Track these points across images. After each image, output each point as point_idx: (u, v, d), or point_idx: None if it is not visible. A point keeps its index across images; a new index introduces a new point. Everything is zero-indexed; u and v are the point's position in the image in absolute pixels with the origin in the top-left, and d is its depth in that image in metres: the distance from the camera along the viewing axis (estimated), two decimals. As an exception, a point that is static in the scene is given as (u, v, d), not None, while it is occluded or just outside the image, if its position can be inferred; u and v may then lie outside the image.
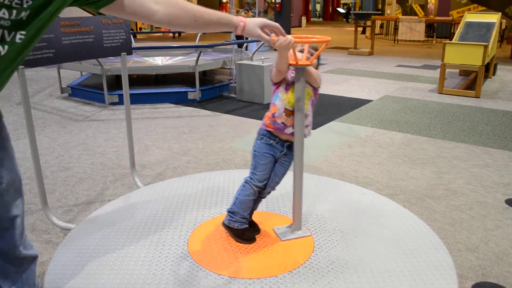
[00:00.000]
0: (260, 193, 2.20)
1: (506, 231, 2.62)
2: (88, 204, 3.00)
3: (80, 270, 2.04)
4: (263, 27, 1.73)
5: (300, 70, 1.99)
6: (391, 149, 4.09)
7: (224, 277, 1.98)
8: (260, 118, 5.21)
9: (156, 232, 2.37)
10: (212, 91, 6.45)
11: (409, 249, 2.20)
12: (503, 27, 13.43)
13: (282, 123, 2.06)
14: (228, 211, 2.24)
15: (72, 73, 7.43)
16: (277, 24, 1.77)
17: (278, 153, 2.14)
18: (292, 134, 2.08)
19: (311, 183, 3.05)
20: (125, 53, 3.28)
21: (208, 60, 6.76)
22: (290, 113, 2.05)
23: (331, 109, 5.70)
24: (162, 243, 2.26)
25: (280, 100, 2.07)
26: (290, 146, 2.14)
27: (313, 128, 4.71)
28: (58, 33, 3.67)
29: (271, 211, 2.59)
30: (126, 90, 3.15)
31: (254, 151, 2.15)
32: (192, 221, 2.48)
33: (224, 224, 2.27)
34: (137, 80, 6.87)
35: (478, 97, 6.46)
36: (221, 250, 2.18)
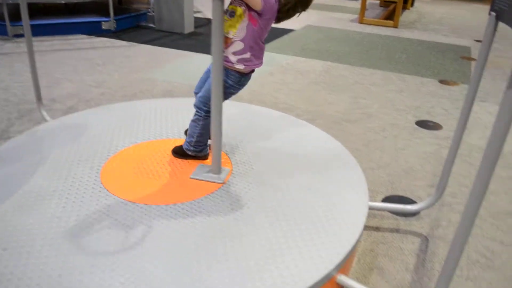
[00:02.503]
0: None
1: (415, 149, 2.77)
2: (-10, 141, 2.75)
3: (-18, 208, 1.89)
4: None
5: None
6: (312, 77, 4.12)
7: (139, 205, 1.91)
8: (180, 48, 5.01)
9: (65, 165, 2.23)
10: (128, 20, 6.04)
11: (324, 168, 2.26)
12: (422, -41, 13.68)
13: None
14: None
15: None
16: None
17: None
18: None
19: (230, 109, 3.00)
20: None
21: (123, -12, 6.29)
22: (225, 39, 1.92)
23: (254, 39, 5.59)
24: (72, 176, 2.13)
25: None
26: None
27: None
28: None
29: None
30: (25, 17, 2.82)
31: None
32: (105, 152, 2.36)
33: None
34: (44, 9, 6.26)
35: (397, 27, 6.63)
36: (136, 180, 2.10)
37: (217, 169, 2.09)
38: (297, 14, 1.90)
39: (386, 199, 2.22)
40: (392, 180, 2.42)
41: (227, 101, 3.19)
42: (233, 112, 2.94)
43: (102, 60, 4.50)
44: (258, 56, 1.95)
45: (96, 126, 2.67)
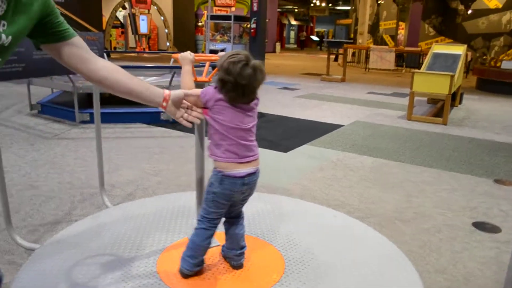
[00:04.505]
0: None
1: (474, 253, 2.67)
2: (54, 224, 2.90)
3: (43, 292, 1.96)
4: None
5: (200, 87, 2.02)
6: (362, 173, 4.15)
7: (193, 299, 1.93)
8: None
9: (124, 253, 2.31)
10: (185, 112, 6.43)
11: (379, 271, 2.21)
12: (469, 59, 14.00)
13: None
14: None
15: (42, 90, 7.28)
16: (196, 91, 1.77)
17: None
18: None
19: (283, 205, 3.05)
20: (97, 70, 3.25)
21: (182, 82, 6.74)
22: None
23: (302, 133, 5.76)
24: (130, 265, 2.20)
25: None
26: None
27: (284, 151, 4.80)
28: (29, 47, 3.62)
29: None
30: (97, 108, 3.11)
31: None
32: (162, 242, 2.43)
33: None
34: (109, 99, 6.78)
35: (445, 124, 6.66)
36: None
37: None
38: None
39: (446, 308, 2.12)
40: (450, 286, 2.32)
41: (278, 196, 3.25)
42: (284, 207, 2.99)
43: (159, 149, 4.76)
44: (221, 149, 1.87)
45: (153, 215, 2.78)
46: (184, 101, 1.74)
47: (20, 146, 4.67)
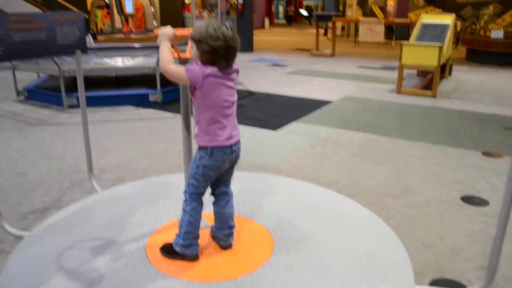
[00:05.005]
0: None
1: (462, 227, 2.71)
2: (44, 211, 2.89)
3: (34, 279, 1.97)
4: None
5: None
6: (351, 149, 4.16)
7: (182, 281, 1.95)
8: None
9: (113, 237, 2.31)
10: (174, 93, 6.35)
11: (367, 248, 2.24)
12: (458, 29, 13.92)
13: None
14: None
15: (28, 75, 7.17)
16: None
17: None
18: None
19: (272, 184, 3.05)
20: (79, 50, 3.18)
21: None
22: None
23: (292, 110, 5.74)
24: (119, 248, 2.21)
25: None
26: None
27: (274, 129, 4.79)
28: (7, 29, 3.53)
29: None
30: (81, 91, 3.06)
31: None
32: (151, 225, 2.44)
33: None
34: (96, 82, 6.70)
35: (435, 97, 6.66)
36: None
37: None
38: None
39: (434, 283, 2.15)
40: (439, 260, 2.35)
41: (268, 175, 3.25)
42: (274, 186, 2.99)
43: (148, 131, 4.73)
44: (211, 134, 1.90)
45: (143, 197, 2.78)
46: None
47: (7, 133, 4.62)
